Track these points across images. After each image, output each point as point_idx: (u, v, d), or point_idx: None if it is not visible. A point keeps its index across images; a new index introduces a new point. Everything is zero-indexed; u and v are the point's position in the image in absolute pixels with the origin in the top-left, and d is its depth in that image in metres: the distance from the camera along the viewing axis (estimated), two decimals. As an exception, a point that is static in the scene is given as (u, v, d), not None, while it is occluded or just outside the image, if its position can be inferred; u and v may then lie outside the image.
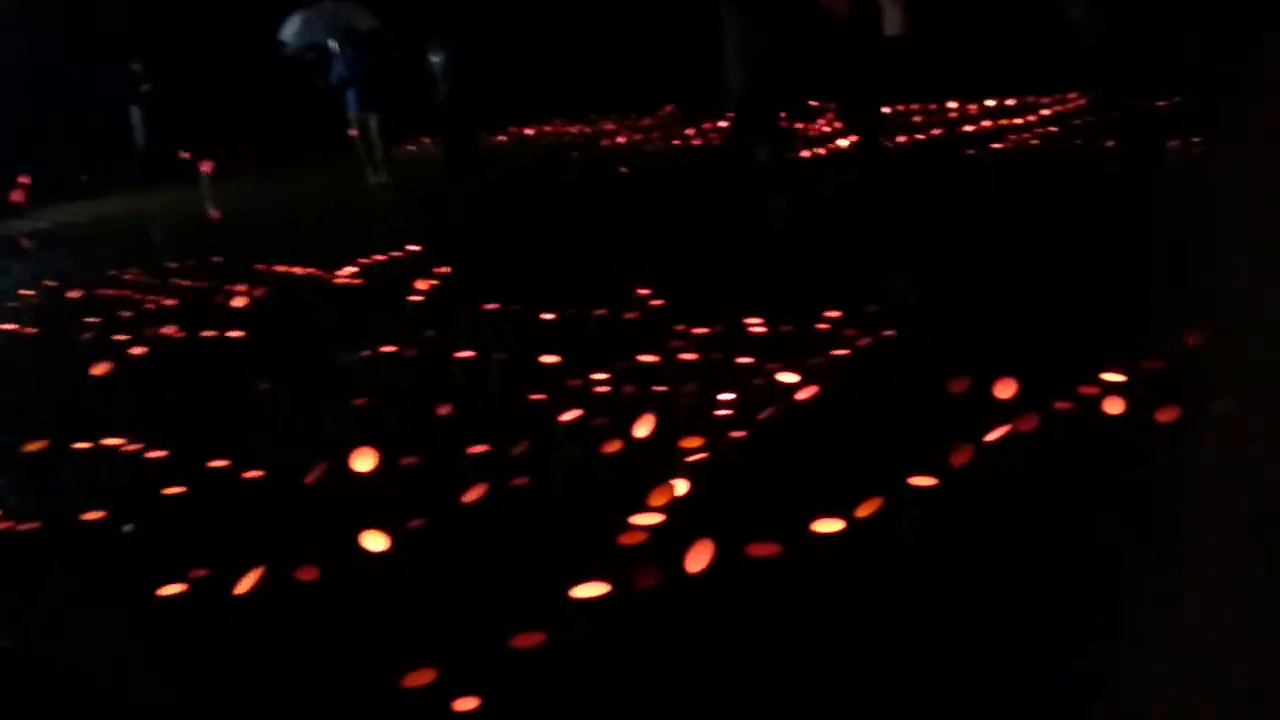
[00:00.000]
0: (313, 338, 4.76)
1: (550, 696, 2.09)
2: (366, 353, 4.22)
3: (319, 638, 2.41)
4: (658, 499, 2.72)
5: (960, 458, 2.79)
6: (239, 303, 5.20)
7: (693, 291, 4.61)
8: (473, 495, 2.87)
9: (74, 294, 5.84)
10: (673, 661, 2.20)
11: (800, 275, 4.97)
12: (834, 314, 4.06)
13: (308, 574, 2.54)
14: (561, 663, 2.13)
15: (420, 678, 2.07)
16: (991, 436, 2.88)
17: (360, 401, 3.64)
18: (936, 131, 9.04)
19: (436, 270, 5.51)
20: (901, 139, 8.81)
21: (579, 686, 2.13)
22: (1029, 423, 2.94)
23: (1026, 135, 8.46)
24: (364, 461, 3.12)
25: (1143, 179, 6.58)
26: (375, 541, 2.64)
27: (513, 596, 2.44)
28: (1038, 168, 7.36)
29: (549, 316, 4.42)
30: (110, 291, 5.81)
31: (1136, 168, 6.87)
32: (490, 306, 4.65)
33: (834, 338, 3.86)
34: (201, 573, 2.58)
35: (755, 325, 4.03)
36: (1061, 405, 3.05)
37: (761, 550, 2.43)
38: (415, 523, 2.75)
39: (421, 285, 5.25)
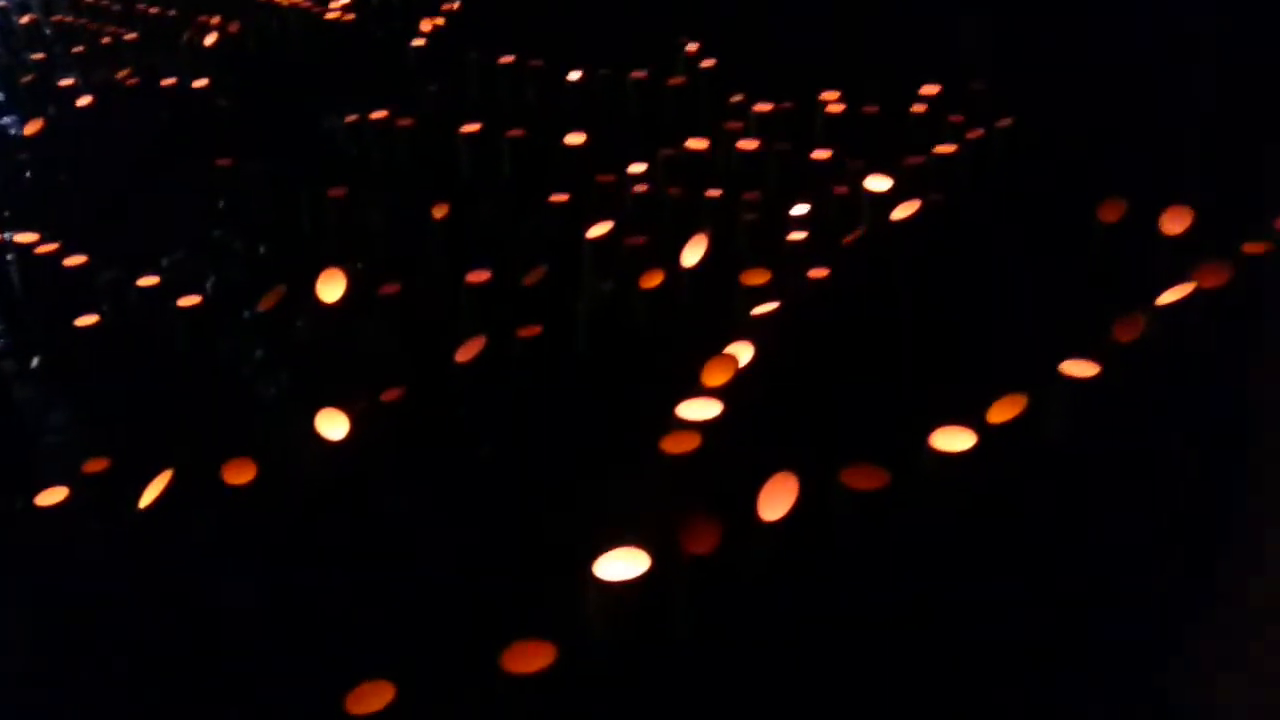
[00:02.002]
0: (290, 92, 3.86)
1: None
2: (352, 118, 3.35)
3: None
4: (714, 375, 1.96)
5: (1128, 330, 2.00)
6: (209, 40, 4.28)
7: (750, 49, 3.66)
8: (468, 352, 2.11)
9: (25, 19, 4.88)
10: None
11: (884, 31, 3.96)
12: (931, 90, 3.15)
13: (240, 474, 1.82)
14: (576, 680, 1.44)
15: (371, 698, 1.38)
16: (1168, 297, 2.08)
17: (336, 193, 2.81)
18: None
19: (444, 5, 4.52)
20: None
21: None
22: (1217, 274, 2.12)
23: None
24: (331, 288, 2.35)
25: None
26: (333, 425, 1.91)
27: (511, 544, 1.75)
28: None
29: (576, 76, 3.51)
30: (65, 18, 4.85)
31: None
32: (506, 59, 3.72)
33: (933, 125, 2.98)
34: (99, 465, 1.86)
35: (831, 102, 3.13)
36: (1253, 248, 2.22)
37: (862, 480, 1.68)
38: (389, 393, 2.00)
39: (425, 25, 4.30)
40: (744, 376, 1.96)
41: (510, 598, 1.60)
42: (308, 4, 4.71)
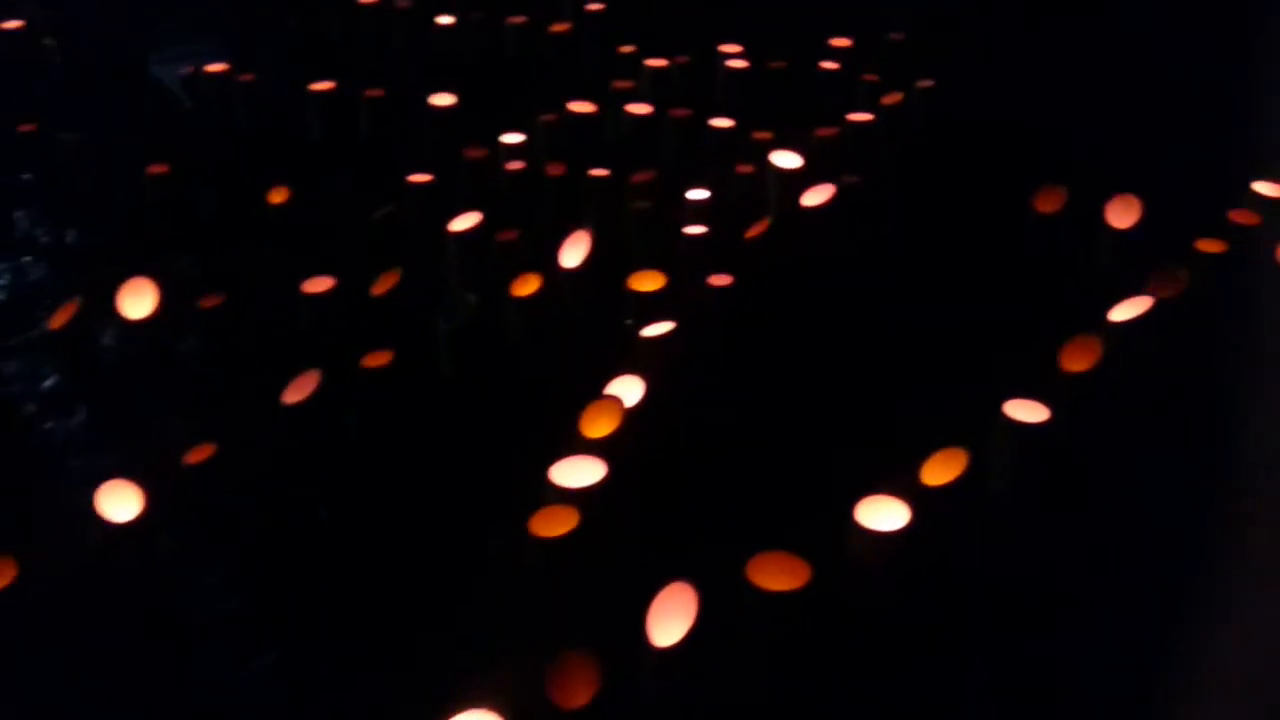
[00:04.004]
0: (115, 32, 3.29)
1: None
2: (189, 69, 2.83)
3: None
4: (595, 422, 1.59)
5: (1078, 357, 1.67)
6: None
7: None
8: (299, 391, 1.70)
9: None
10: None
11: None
12: (842, 42, 2.76)
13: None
14: None
15: None
16: (1121, 313, 1.76)
17: (157, 169, 2.33)
18: None
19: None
20: None
21: None
22: (1172, 283, 1.81)
23: None
24: (138, 301, 1.91)
25: None
26: (120, 502, 1.50)
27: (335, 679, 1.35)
28: None
29: (447, 21, 3.03)
30: None
31: None
32: (367, -2, 3.22)
33: (847, 85, 2.60)
34: None
35: (733, 57, 2.72)
36: (1208, 245, 1.91)
37: (776, 578, 1.33)
38: (197, 452, 1.59)
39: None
40: (631, 424, 1.59)
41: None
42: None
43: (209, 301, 1.91)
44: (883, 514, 1.42)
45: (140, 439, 1.66)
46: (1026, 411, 1.56)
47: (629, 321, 1.87)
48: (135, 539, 1.47)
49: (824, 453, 1.59)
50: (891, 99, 2.45)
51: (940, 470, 1.48)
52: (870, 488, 1.44)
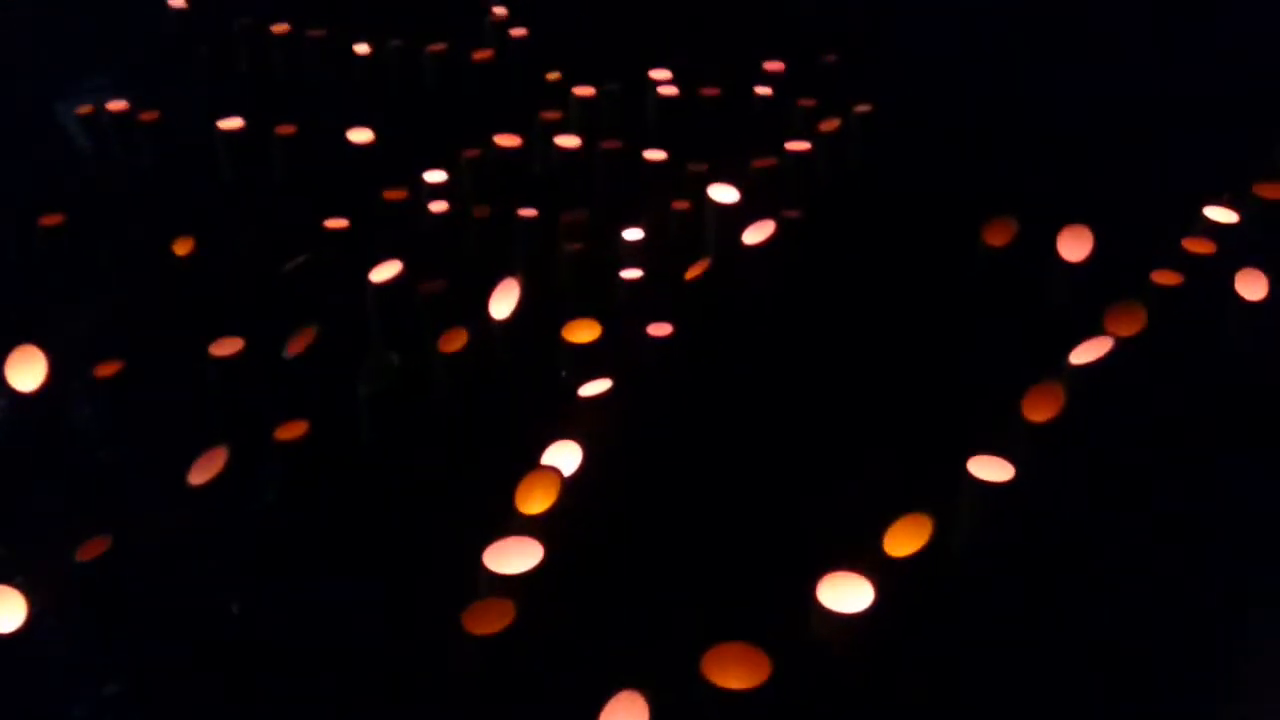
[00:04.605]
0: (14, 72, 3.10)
1: None
2: (88, 108, 2.64)
3: None
4: (530, 497, 1.46)
5: (1040, 405, 1.57)
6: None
7: (566, 14, 3.08)
8: (206, 470, 1.54)
9: None
10: None
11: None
12: (775, 66, 2.66)
13: None
14: None
15: None
16: (1084, 355, 1.66)
17: (50, 219, 2.16)
18: None
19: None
20: None
21: None
22: (1131, 319, 1.72)
23: None
24: (26, 372, 1.74)
25: None
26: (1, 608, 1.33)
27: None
28: None
29: (364, 49, 2.88)
30: None
31: None
32: (279, 27, 3.05)
33: (781, 110, 2.50)
34: None
35: (663, 83, 2.60)
36: (1163, 277, 1.82)
37: (734, 674, 1.21)
38: (91, 546, 1.42)
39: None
40: (570, 497, 1.46)
41: None
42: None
43: (106, 369, 1.74)
44: (845, 592, 1.30)
45: (26, 531, 1.49)
46: (991, 469, 1.46)
47: (564, 374, 1.75)
48: (20, 647, 1.31)
49: (777, 524, 1.47)
50: (828, 125, 2.35)
51: (904, 539, 1.37)
52: (830, 563, 1.33)
